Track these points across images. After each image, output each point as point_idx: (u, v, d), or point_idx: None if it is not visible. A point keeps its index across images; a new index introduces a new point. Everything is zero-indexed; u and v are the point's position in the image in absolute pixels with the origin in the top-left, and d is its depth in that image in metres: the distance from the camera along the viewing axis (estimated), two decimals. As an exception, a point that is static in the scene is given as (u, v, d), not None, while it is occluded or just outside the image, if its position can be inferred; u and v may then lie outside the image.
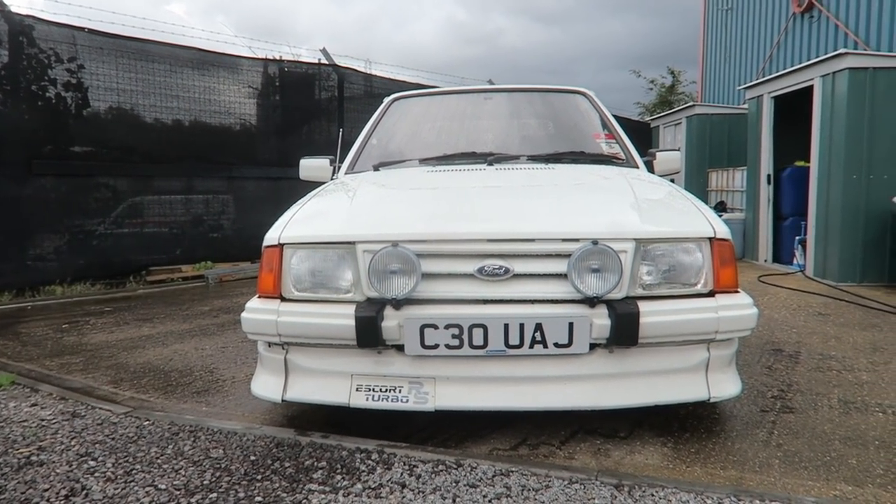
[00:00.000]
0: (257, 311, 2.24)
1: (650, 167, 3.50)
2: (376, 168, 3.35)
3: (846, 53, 5.79)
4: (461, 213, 2.42)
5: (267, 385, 2.34)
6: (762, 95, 7.36)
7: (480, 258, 2.16)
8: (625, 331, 2.06)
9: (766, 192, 7.37)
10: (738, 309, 2.15)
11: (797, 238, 6.92)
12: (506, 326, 2.08)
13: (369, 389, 2.22)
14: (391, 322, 2.11)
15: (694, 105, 9.84)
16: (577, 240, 2.13)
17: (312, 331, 2.18)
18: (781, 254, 7.34)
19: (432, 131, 3.79)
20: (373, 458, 2.12)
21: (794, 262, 6.94)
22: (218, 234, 7.04)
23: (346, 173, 3.47)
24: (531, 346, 2.09)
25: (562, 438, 2.33)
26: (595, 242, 2.07)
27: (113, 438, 2.35)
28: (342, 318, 2.13)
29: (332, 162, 3.64)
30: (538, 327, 2.08)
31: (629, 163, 3.40)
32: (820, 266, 6.21)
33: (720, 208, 8.64)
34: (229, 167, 7.18)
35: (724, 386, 2.23)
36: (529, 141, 3.63)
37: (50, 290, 5.67)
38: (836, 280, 5.92)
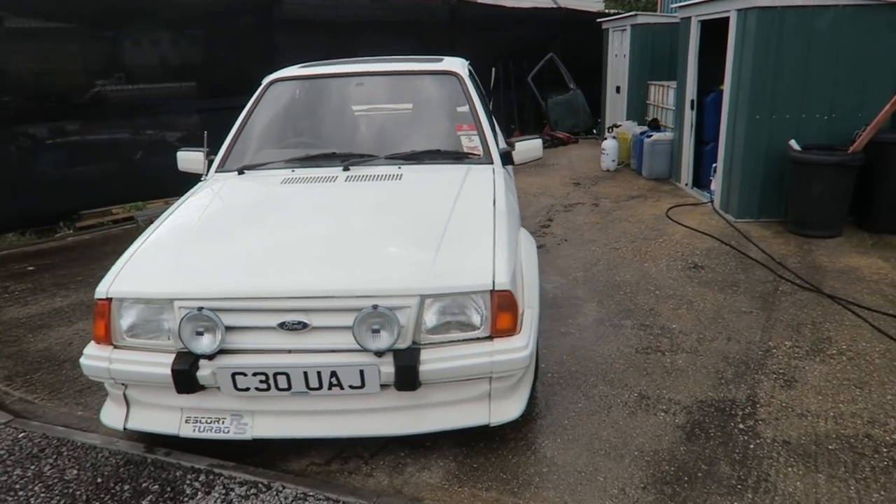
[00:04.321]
0: (93, 359, 2.54)
1: (509, 158, 3.68)
2: (241, 171, 3.54)
3: (758, -10, 5.72)
4: (273, 261, 2.63)
5: (111, 415, 2.69)
6: (690, 18, 7.27)
7: (282, 313, 2.44)
8: (405, 379, 2.39)
9: (689, 116, 7.47)
10: (511, 353, 2.46)
11: (713, 165, 7.10)
12: (305, 374, 2.41)
13: (196, 421, 2.57)
14: (205, 371, 2.43)
15: (637, 14, 9.65)
16: (367, 297, 2.40)
17: (140, 377, 2.51)
18: (702, 178, 7.54)
19: (301, 126, 3.93)
20: (200, 479, 2.51)
21: (710, 187, 7.16)
22: (149, 172, 7.13)
23: (216, 170, 3.67)
24: (329, 388, 2.44)
25: (372, 451, 2.71)
26: (375, 307, 2.34)
27: (-14, 458, 2.71)
28: (163, 368, 2.44)
29: (206, 154, 3.81)
30: (334, 374, 2.41)
31: (485, 158, 3.58)
32: (724, 200, 6.47)
33: (654, 126, 8.74)
34: (157, 104, 7.19)
35: (505, 412, 2.59)
36: (390, 138, 3.78)
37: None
38: (735, 215, 6.20)
